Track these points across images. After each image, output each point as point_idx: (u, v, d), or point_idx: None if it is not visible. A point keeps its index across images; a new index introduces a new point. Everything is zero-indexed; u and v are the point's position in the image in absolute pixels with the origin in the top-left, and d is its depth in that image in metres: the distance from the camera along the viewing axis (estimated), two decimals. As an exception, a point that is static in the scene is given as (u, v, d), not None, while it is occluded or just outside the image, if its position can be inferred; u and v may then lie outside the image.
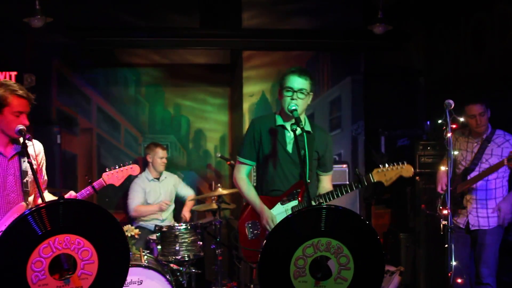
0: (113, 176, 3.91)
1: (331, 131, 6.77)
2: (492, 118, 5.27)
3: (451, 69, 6.67)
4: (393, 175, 3.76)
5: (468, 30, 6.33)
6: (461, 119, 4.41)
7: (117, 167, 3.97)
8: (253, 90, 6.70)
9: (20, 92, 3.32)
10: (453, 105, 3.78)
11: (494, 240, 4.65)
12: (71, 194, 3.66)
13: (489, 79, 5.93)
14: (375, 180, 3.76)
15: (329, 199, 3.74)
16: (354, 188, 3.75)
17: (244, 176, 3.96)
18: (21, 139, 3.28)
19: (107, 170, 3.94)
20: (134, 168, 4.05)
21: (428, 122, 6.39)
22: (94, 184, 3.79)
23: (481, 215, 4.62)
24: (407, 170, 3.78)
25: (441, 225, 4.22)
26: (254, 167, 4.03)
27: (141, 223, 5.96)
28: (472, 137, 4.72)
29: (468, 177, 4.64)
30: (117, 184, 3.95)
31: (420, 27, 7.20)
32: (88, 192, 3.74)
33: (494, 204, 4.60)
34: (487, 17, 6.00)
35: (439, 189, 4.76)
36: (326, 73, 6.83)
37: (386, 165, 3.77)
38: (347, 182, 6.03)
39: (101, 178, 3.87)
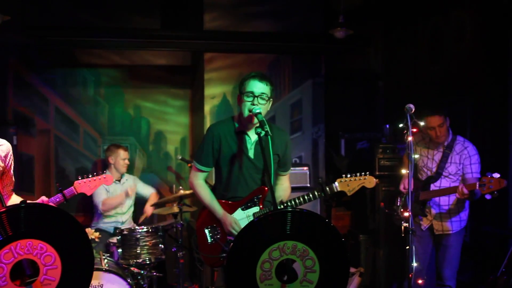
0: (85, 185, 3.83)
1: (292, 133, 6.82)
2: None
3: (409, 73, 6.80)
4: (356, 185, 3.84)
5: (425, 35, 6.47)
6: (422, 123, 4.48)
7: (90, 176, 3.90)
8: (214, 92, 6.70)
9: None
10: (413, 109, 3.84)
11: (457, 242, 4.74)
12: (42, 199, 3.58)
13: (445, 84, 6.07)
14: (339, 190, 3.83)
15: (292, 207, 3.76)
16: (317, 197, 3.78)
17: (202, 181, 3.93)
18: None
19: (79, 178, 3.85)
20: (108, 178, 4.00)
21: (388, 126, 6.50)
22: (65, 192, 3.71)
23: (444, 220, 4.71)
24: (369, 181, 3.87)
25: (402, 227, 4.31)
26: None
27: (101, 225, 5.88)
28: (432, 143, 4.79)
29: (432, 185, 4.70)
30: (88, 193, 3.90)
31: (379, 32, 7.32)
32: (58, 199, 3.66)
33: (456, 209, 4.70)
34: (444, 22, 6.14)
35: (401, 188, 4.85)
36: (287, 76, 6.88)
37: (349, 175, 3.84)
38: (308, 185, 6.15)
39: (72, 187, 3.79)
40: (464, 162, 4.61)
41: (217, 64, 6.73)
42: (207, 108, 6.67)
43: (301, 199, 3.76)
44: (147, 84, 7.04)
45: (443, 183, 4.67)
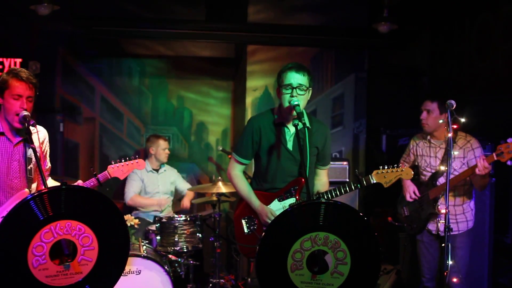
0: (118, 170, 3.90)
1: (333, 128, 6.80)
2: (494, 120, 5.28)
3: (455, 70, 6.68)
4: (393, 177, 3.79)
5: (473, 32, 6.34)
6: (462, 120, 4.41)
7: (122, 160, 3.96)
8: (256, 85, 6.74)
9: (21, 74, 3.35)
10: (454, 106, 3.78)
11: (464, 243, 4.57)
12: (78, 183, 3.69)
13: (492, 81, 5.95)
14: (375, 182, 3.78)
15: (328, 198, 3.75)
16: (353, 189, 3.77)
17: (239, 172, 3.97)
18: (26, 125, 3.31)
19: (112, 162, 3.92)
20: (140, 163, 4.04)
21: (430, 122, 6.40)
22: (99, 176, 3.80)
23: (450, 221, 4.53)
24: (406, 173, 3.83)
25: (438, 225, 4.24)
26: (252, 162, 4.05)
27: (141, 214, 5.99)
28: (433, 142, 4.66)
29: (437, 182, 4.54)
30: (121, 177, 3.96)
31: (425, 27, 7.20)
32: (92, 183, 3.76)
33: (461, 210, 4.56)
34: (492, 18, 6.01)
35: (407, 197, 4.71)
36: (330, 70, 6.86)
37: (386, 167, 3.81)
38: (347, 180, 6.12)
39: (106, 171, 3.87)
40: (468, 156, 4.47)
41: (260, 56, 6.77)
42: (248, 100, 6.72)
43: (337, 191, 3.75)
44: (191, 75, 7.13)
45: None
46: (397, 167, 3.82)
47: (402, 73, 7.33)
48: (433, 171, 4.61)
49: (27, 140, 3.39)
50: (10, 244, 2.64)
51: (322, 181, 3.99)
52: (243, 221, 3.93)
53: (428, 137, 4.70)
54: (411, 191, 4.68)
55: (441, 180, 4.53)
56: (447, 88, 6.76)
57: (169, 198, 6.17)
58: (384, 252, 6.50)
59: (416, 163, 4.77)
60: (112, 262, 2.90)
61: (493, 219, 5.46)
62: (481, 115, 5.65)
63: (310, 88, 3.75)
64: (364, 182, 3.76)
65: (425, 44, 7.26)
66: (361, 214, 3.02)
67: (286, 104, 3.67)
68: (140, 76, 7.03)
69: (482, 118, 5.61)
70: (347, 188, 3.75)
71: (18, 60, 6.12)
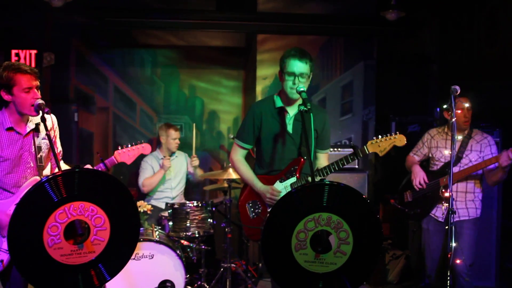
0: (124, 154, 4.00)
1: (342, 115, 6.86)
2: (503, 107, 5.30)
3: (464, 57, 6.70)
4: (387, 145, 3.84)
5: (482, 18, 6.35)
6: (466, 105, 4.47)
7: (129, 145, 4.05)
8: (266, 73, 6.81)
9: (23, 68, 3.40)
10: (459, 91, 3.84)
11: (472, 230, 4.60)
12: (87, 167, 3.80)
13: (501, 68, 5.96)
14: (370, 151, 3.85)
15: (327, 173, 3.83)
16: (350, 160, 3.83)
17: (241, 157, 4.07)
18: (40, 113, 3.40)
19: (119, 148, 4.02)
20: (146, 147, 4.14)
21: (438, 109, 6.44)
22: (106, 161, 3.88)
23: (460, 207, 4.57)
24: (400, 139, 3.86)
25: (443, 208, 4.29)
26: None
27: (153, 201, 6.09)
28: (450, 135, 4.65)
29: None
30: (128, 162, 4.05)
31: (434, 14, 7.22)
32: (100, 169, 3.84)
33: (472, 197, 4.61)
34: (501, 5, 6.02)
35: (416, 183, 4.72)
36: (339, 58, 6.91)
37: (380, 136, 3.87)
38: (356, 166, 6.18)
39: (112, 156, 3.97)
40: (485, 151, 4.56)
41: (270, 45, 6.84)
42: (259, 88, 6.79)
43: (335, 165, 3.83)
44: (202, 65, 7.21)
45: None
46: (390, 134, 3.86)
47: (411, 61, 7.37)
48: (447, 161, 4.64)
49: (37, 130, 3.50)
50: (27, 224, 2.75)
51: (322, 165, 4.03)
52: (248, 206, 4.02)
53: (446, 129, 4.75)
54: (420, 178, 4.71)
55: (454, 169, 4.53)
56: (456, 75, 6.79)
57: (182, 183, 6.27)
58: (393, 238, 6.58)
59: (430, 155, 4.82)
60: (124, 242, 3.00)
61: (501, 205, 5.52)
62: (490, 101, 5.69)
63: (311, 74, 3.84)
64: (360, 153, 3.83)
65: (434, 31, 7.28)
66: (363, 196, 3.10)
67: (289, 90, 3.78)
68: (152, 66, 7.14)
69: (491, 104, 5.66)
70: (344, 161, 3.82)
71: (33, 52, 6.25)
